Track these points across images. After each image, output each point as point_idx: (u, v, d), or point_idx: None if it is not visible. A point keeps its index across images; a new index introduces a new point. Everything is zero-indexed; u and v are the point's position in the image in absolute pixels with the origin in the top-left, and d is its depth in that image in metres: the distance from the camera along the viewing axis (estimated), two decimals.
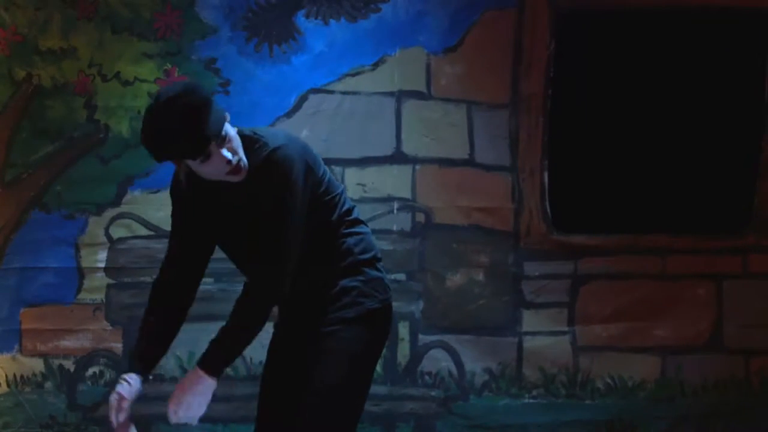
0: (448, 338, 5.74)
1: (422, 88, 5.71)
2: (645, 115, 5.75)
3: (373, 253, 3.69)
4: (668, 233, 5.76)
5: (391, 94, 5.70)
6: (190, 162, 3.41)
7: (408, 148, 5.71)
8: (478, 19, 5.69)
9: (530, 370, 5.76)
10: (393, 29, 5.67)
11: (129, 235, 5.70)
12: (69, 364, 5.71)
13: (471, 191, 5.72)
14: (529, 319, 5.76)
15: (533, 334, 5.77)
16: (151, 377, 5.73)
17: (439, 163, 5.72)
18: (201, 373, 3.53)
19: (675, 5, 5.69)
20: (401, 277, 5.70)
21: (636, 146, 5.75)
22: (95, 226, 5.70)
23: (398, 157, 5.71)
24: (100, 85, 5.65)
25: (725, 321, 5.80)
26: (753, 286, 5.78)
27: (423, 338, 5.74)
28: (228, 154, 3.38)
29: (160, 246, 5.59)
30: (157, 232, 5.63)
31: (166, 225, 5.58)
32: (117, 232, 5.70)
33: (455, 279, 5.74)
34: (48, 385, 5.71)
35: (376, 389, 5.54)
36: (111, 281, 5.70)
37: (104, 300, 5.70)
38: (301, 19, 5.65)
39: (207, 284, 5.26)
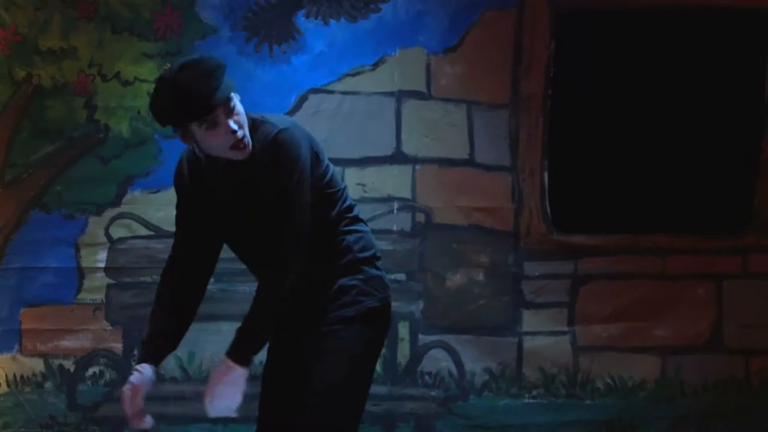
0: (448, 338, 5.74)
1: (422, 88, 5.71)
2: (645, 115, 5.75)
3: (372, 252, 3.69)
4: (668, 233, 5.76)
5: (391, 94, 5.70)
6: (195, 131, 3.40)
7: (408, 148, 5.71)
8: (478, 19, 5.69)
9: (530, 370, 5.76)
10: (393, 29, 5.67)
11: (129, 235, 5.70)
12: (69, 364, 5.71)
13: (471, 191, 5.72)
14: (529, 319, 5.76)
15: (533, 334, 5.77)
16: None
17: (439, 163, 5.72)
18: (230, 362, 3.52)
19: (675, 5, 5.69)
20: (401, 277, 5.70)
21: (636, 146, 5.75)
22: (95, 226, 5.70)
23: (398, 157, 5.71)
24: (100, 85, 5.65)
25: (725, 321, 5.80)
26: (753, 286, 5.78)
27: (423, 338, 5.74)
28: (234, 126, 3.40)
29: (160, 246, 5.60)
30: (157, 232, 5.63)
31: (166, 225, 5.61)
32: (117, 232, 5.70)
33: (455, 279, 5.74)
34: (48, 385, 5.71)
35: (376, 389, 5.54)
36: (111, 281, 5.70)
37: (104, 300, 5.70)
38: (301, 19, 5.65)
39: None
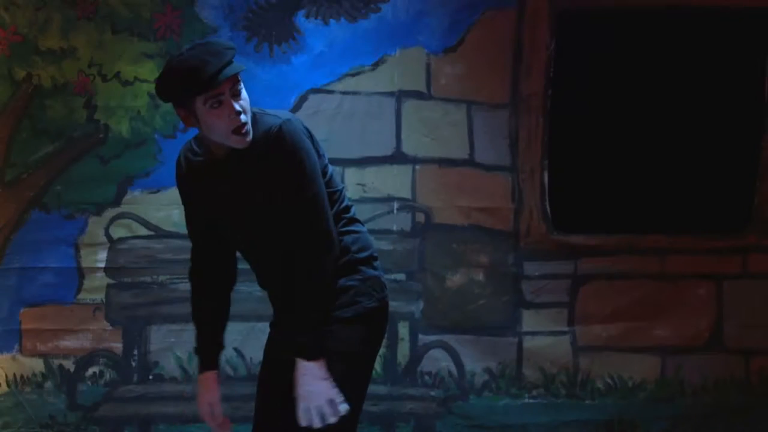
0: (448, 338, 5.74)
1: (422, 88, 5.71)
2: (645, 115, 5.75)
3: (369, 252, 3.70)
4: (668, 233, 5.76)
5: (391, 94, 5.70)
6: (200, 108, 3.40)
7: (408, 148, 5.71)
8: (478, 19, 5.69)
9: (530, 370, 5.76)
10: (393, 29, 5.67)
11: (129, 235, 5.70)
12: (69, 364, 5.71)
13: (471, 191, 5.72)
14: (529, 319, 5.76)
15: (533, 334, 5.77)
16: (151, 377, 5.78)
17: (439, 163, 5.72)
18: (303, 363, 3.50)
19: (675, 5, 5.69)
20: (401, 277, 5.70)
21: (636, 146, 5.75)
22: (95, 226, 5.70)
23: (398, 157, 5.71)
24: (100, 85, 5.65)
25: (725, 321, 5.80)
26: (753, 286, 5.78)
27: (423, 338, 5.74)
28: (239, 107, 3.41)
29: (160, 246, 5.61)
30: (157, 232, 5.63)
31: (166, 225, 5.62)
32: (117, 232, 5.70)
33: (455, 279, 5.74)
34: (48, 385, 5.71)
35: (376, 389, 5.56)
36: (111, 281, 5.70)
37: (104, 300, 5.70)
38: (301, 19, 5.65)
39: None
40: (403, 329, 5.73)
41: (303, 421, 3.52)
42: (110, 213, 5.70)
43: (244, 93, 3.48)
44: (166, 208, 5.57)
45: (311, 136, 3.61)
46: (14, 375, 5.70)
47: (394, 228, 5.71)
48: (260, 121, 3.50)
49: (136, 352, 5.71)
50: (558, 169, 5.74)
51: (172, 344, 5.68)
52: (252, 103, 3.53)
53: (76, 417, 5.70)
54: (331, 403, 3.51)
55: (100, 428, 5.70)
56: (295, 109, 5.65)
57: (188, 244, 3.80)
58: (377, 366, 5.63)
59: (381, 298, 3.70)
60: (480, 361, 5.75)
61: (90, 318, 5.71)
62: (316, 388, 3.50)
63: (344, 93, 5.69)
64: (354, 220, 3.73)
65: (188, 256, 3.80)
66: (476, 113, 5.71)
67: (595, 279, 5.77)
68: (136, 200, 5.68)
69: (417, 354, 5.74)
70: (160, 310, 5.67)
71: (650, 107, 5.74)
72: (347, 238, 3.66)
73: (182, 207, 3.78)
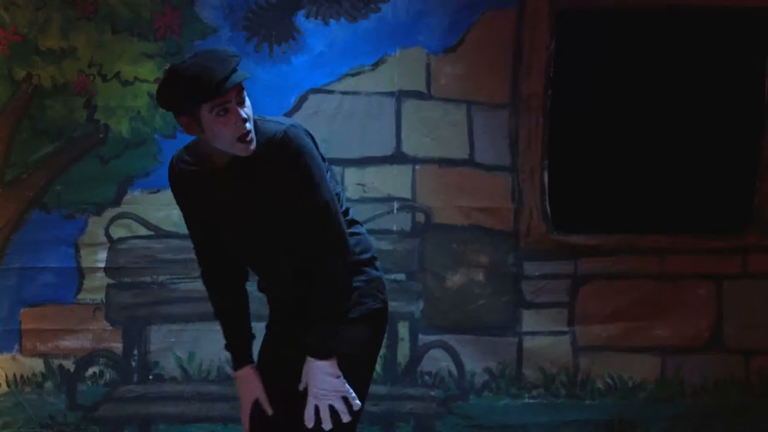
0: (448, 338, 5.74)
1: (422, 88, 5.71)
2: (645, 115, 5.75)
3: (371, 253, 3.73)
4: (668, 233, 5.76)
5: (391, 94, 5.70)
6: (205, 116, 3.40)
7: (408, 148, 5.71)
8: (478, 19, 5.69)
9: (530, 370, 5.76)
10: (393, 29, 5.67)
11: (129, 235, 5.70)
12: (69, 364, 5.71)
13: (471, 191, 5.72)
14: (529, 319, 5.76)
15: (533, 334, 5.77)
16: (151, 377, 5.78)
17: (439, 163, 5.72)
18: (316, 362, 3.52)
19: (675, 5, 5.69)
20: (401, 277, 5.70)
21: (636, 146, 5.75)
22: (95, 226, 5.70)
23: (398, 157, 5.71)
24: (100, 85, 5.65)
25: (725, 321, 5.80)
26: (753, 286, 5.78)
27: (423, 338, 5.74)
28: (244, 115, 3.41)
29: (160, 246, 5.60)
30: (157, 232, 5.63)
31: (166, 225, 5.62)
32: (117, 232, 5.70)
33: (455, 279, 5.74)
34: (48, 385, 5.71)
35: (376, 389, 5.56)
36: (111, 281, 5.70)
37: (104, 300, 5.70)
38: (301, 19, 5.65)
39: None
40: (403, 329, 5.73)
41: (311, 422, 3.52)
42: (110, 213, 5.70)
43: (247, 100, 3.47)
44: (166, 208, 5.57)
45: (313, 140, 3.60)
46: (14, 375, 5.70)
47: (394, 228, 5.71)
48: (262, 128, 3.49)
49: (136, 352, 5.71)
50: (558, 169, 5.74)
51: (172, 344, 5.68)
52: (252, 103, 3.53)
53: (76, 417, 5.70)
54: (345, 400, 3.53)
55: (100, 428, 5.70)
56: (295, 109, 5.65)
57: (188, 244, 3.79)
58: (377, 366, 5.63)
59: (383, 299, 3.73)
60: (480, 361, 5.75)
61: (90, 318, 5.71)
62: (330, 386, 3.52)
63: (344, 93, 5.69)
64: (354, 222, 3.74)
65: (188, 255, 3.81)
66: (476, 113, 5.71)
67: (595, 279, 5.77)
68: (136, 200, 5.68)
69: (417, 354, 5.74)
70: (160, 310, 5.67)
71: (650, 107, 5.74)
72: (351, 240, 3.66)
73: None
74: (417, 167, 5.72)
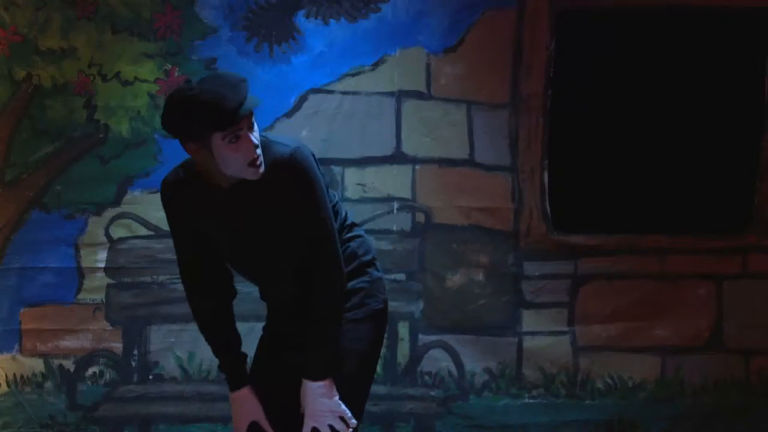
0: (448, 338, 5.74)
1: (422, 88, 5.71)
2: (645, 115, 5.75)
3: (372, 254, 3.81)
4: (668, 233, 5.76)
5: (391, 94, 5.70)
6: (216, 144, 3.39)
7: (408, 148, 5.71)
8: (478, 19, 5.69)
9: (530, 370, 5.76)
10: (393, 29, 5.66)
11: (129, 235, 5.70)
12: (69, 364, 5.71)
13: (471, 191, 5.72)
14: (529, 319, 5.76)
15: (533, 334, 5.77)
16: (151, 377, 5.78)
17: (439, 163, 5.72)
18: (312, 383, 3.57)
19: (675, 5, 5.69)
20: (401, 277, 5.70)
21: (636, 146, 5.75)
22: (95, 226, 5.70)
23: (398, 157, 5.71)
24: (100, 85, 5.65)
25: (725, 321, 5.80)
26: (753, 286, 5.78)
27: (423, 338, 5.74)
28: (256, 141, 3.41)
29: (160, 246, 5.60)
30: (157, 232, 5.63)
31: (166, 225, 5.59)
32: (117, 232, 5.70)
33: (455, 279, 5.74)
34: (48, 385, 5.71)
35: (376, 389, 5.54)
36: (111, 281, 5.70)
37: (104, 300, 5.70)
38: (301, 19, 5.65)
39: None
40: (403, 329, 5.73)
41: None
42: (110, 213, 5.70)
43: (255, 124, 3.48)
44: None
45: (314, 158, 3.63)
46: (14, 375, 5.70)
47: (394, 228, 5.71)
48: (268, 150, 3.50)
49: (136, 352, 5.71)
50: (558, 169, 5.74)
51: (172, 344, 5.68)
52: None
53: (76, 417, 5.70)
54: (342, 419, 3.58)
55: (100, 428, 5.70)
56: (295, 109, 5.65)
57: None
58: (378, 366, 5.63)
59: (384, 299, 3.80)
60: (480, 361, 5.75)
61: (90, 318, 5.71)
62: (326, 407, 3.57)
63: (344, 93, 5.69)
64: (354, 225, 3.82)
65: None
66: (476, 113, 5.71)
67: (595, 279, 5.77)
68: (136, 200, 5.68)
69: (417, 354, 5.74)
70: (160, 310, 5.67)
71: (650, 107, 5.74)
72: (353, 244, 3.76)
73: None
74: (417, 167, 5.71)
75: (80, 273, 5.70)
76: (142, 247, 5.69)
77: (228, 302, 3.75)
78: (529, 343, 5.77)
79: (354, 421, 3.60)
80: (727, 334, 5.80)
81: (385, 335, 5.62)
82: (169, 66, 5.64)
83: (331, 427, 3.56)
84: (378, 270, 3.80)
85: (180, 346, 5.67)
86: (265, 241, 3.58)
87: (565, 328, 5.78)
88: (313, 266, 3.56)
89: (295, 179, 3.50)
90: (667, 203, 5.76)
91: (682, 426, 5.78)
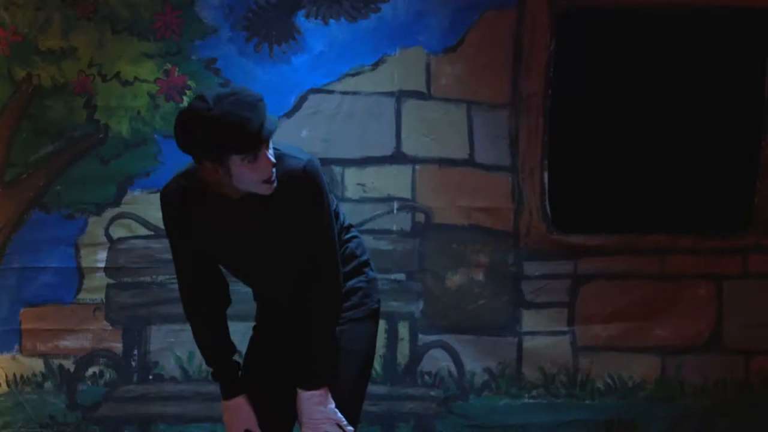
0: (448, 338, 5.74)
1: (422, 88, 5.71)
2: (645, 115, 5.75)
3: (367, 254, 3.87)
4: (668, 233, 5.76)
5: (391, 94, 5.70)
6: (234, 164, 3.38)
7: (408, 148, 5.71)
8: (478, 18, 5.69)
9: (530, 370, 5.76)
10: (393, 29, 5.66)
11: (129, 235, 5.70)
12: (69, 364, 5.71)
13: (471, 191, 5.72)
14: (529, 319, 5.76)
15: (533, 334, 5.77)
16: (151, 377, 5.78)
17: (439, 163, 5.72)
18: (303, 392, 3.59)
19: (675, 5, 5.69)
20: (401, 277, 5.70)
21: (636, 146, 5.75)
22: (95, 226, 5.70)
23: (398, 157, 5.71)
24: (100, 85, 5.65)
25: (725, 321, 5.80)
26: (753, 286, 5.78)
27: (423, 338, 5.74)
28: (273, 159, 3.42)
29: (160, 246, 5.60)
30: (156, 232, 5.63)
31: None
32: (117, 232, 5.70)
33: (455, 279, 5.74)
34: (48, 385, 5.71)
35: (376, 389, 5.57)
36: (111, 281, 5.70)
37: (104, 300, 5.70)
38: (301, 19, 5.65)
39: None
40: (403, 329, 5.73)
41: None
42: (110, 213, 5.70)
43: (270, 141, 3.47)
44: None
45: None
46: (14, 375, 5.70)
47: (394, 228, 5.71)
48: (280, 162, 3.50)
49: (136, 352, 5.71)
50: (558, 169, 5.74)
51: (172, 344, 5.68)
52: None
53: (76, 417, 5.70)
54: (339, 427, 3.60)
55: (100, 428, 5.70)
56: (295, 109, 5.65)
57: None
58: (377, 366, 5.64)
59: (378, 299, 3.85)
60: (480, 361, 5.75)
61: (90, 318, 5.70)
62: (324, 415, 3.59)
63: (344, 93, 5.69)
64: (351, 226, 3.87)
65: None
66: (476, 113, 5.71)
67: (595, 279, 5.77)
68: (136, 200, 5.68)
69: (417, 354, 5.74)
70: (160, 310, 5.67)
71: (650, 107, 5.74)
72: (351, 244, 3.81)
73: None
74: (417, 167, 5.71)
75: (80, 273, 5.70)
76: (142, 247, 5.69)
77: (223, 311, 3.75)
78: (529, 343, 5.77)
79: (351, 428, 3.62)
80: (727, 334, 5.80)
81: (385, 335, 5.71)
82: (169, 66, 5.64)
83: None
84: (372, 270, 3.85)
85: (180, 346, 5.67)
86: (271, 248, 3.60)
87: (565, 328, 5.78)
88: (313, 278, 3.58)
89: (306, 192, 3.53)
90: (667, 203, 5.76)
91: (681, 426, 5.78)
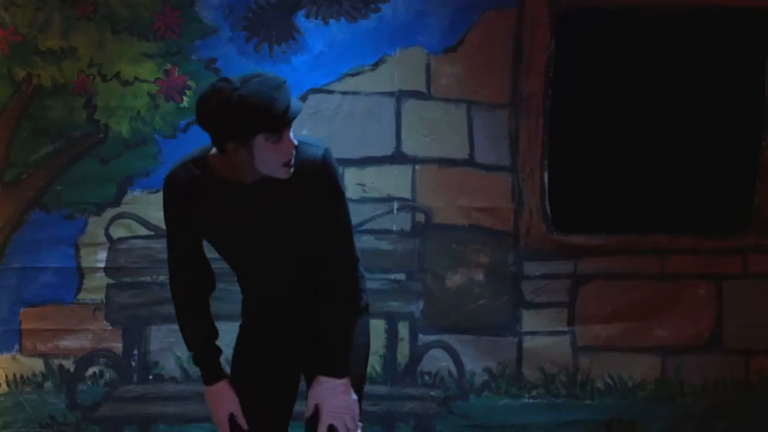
0: (448, 338, 5.74)
1: (422, 88, 5.71)
2: (645, 115, 5.75)
3: (358, 252, 3.80)
4: (668, 233, 5.76)
5: (391, 94, 5.70)
6: (259, 144, 3.37)
7: (408, 148, 5.71)
8: (478, 19, 5.69)
9: (530, 370, 5.76)
10: (393, 29, 5.66)
11: (129, 235, 5.70)
12: (69, 364, 5.71)
13: (471, 191, 5.72)
14: (529, 319, 5.76)
15: (533, 334, 5.77)
16: (151, 377, 5.78)
17: (439, 163, 5.72)
18: (334, 381, 3.57)
19: (675, 5, 5.69)
20: (401, 277, 5.70)
21: (636, 146, 5.75)
22: (95, 226, 5.70)
23: (398, 157, 5.71)
24: (100, 85, 5.65)
25: (725, 321, 5.80)
26: (753, 286, 5.78)
27: (423, 338, 5.74)
28: (295, 142, 3.44)
29: (160, 246, 5.59)
30: (157, 232, 5.63)
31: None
32: (117, 232, 5.70)
33: (455, 279, 5.74)
34: (48, 385, 5.71)
35: (376, 389, 5.57)
36: (111, 281, 5.70)
37: (104, 300, 5.70)
38: (301, 19, 5.65)
39: None
40: (403, 329, 5.73)
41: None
42: (110, 213, 5.70)
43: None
44: None
45: None
46: (14, 375, 5.70)
47: (394, 228, 5.71)
48: (298, 150, 3.49)
49: (136, 352, 5.71)
50: (558, 169, 5.74)
51: (172, 344, 5.67)
52: None
53: (76, 417, 5.70)
54: (355, 418, 3.60)
55: (100, 428, 5.70)
56: None
57: None
58: (377, 366, 5.64)
59: (367, 295, 3.84)
60: (480, 361, 5.75)
61: (90, 318, 5.71)
62: (346, 404, 3.58)
63: (344, 93, 5.69)
64: None
65: None
66: (476, 113, 5.71)
67: (595, 279, 5.77)
68: (136, 200, 5.68)
69: (417, 354, 5.74)
70: (160, 310, 5.67)
71: (650, 107, 5.74)
72: None
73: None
74: (417, 167, 5.72)
75: (80, 273, 5.71)
76: (142, 247, 5.69)
77: (208, 295, 3.75)
78: (529, 343, 5.77)
79: (361, 424, 3.63)
80: (727, 334, 5.80)
81: (385, 335, 5.71)
82: (169, 66, 5.64)
83: (345, 425, 3.58)
84: (360, 266, 3.85)
85: (180, 346, 5.64)
86: (281, 237, 3.57)
87: (565, 328, 5.78)
88: (332, 266, 3.58)
89: (325, 180, 3.53)
90: (667, 203, 5.76)
91: (681, 426, 5.78)
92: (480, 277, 5.74)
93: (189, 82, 5.63)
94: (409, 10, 5.67)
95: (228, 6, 5.64)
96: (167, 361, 5.71)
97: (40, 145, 5.67)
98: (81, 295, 5.71)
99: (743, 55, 5.75)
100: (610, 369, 5.78)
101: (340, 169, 3.61)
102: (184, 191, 3.57)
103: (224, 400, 3.69)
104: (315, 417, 3.60)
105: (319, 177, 3.51)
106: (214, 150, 3.50)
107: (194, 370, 5.64)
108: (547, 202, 5.73)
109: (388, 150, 5.72)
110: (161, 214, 3.72)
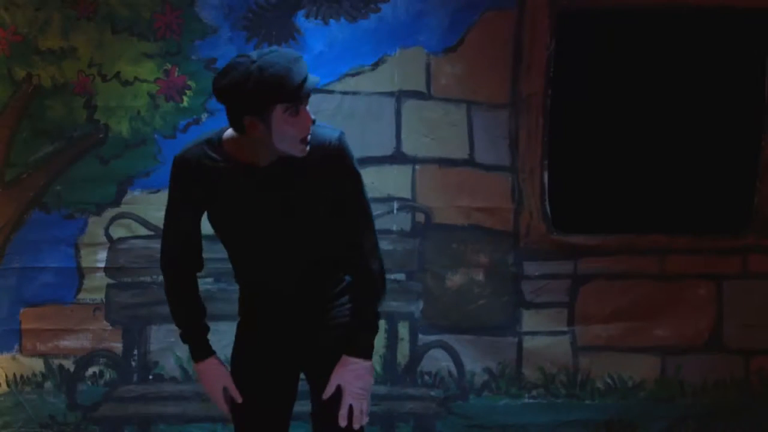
0: (447, 338, 5.74)
1: (422, 88, 5.71)
2: (645, 115, 5.75)
3: None
4: (668, 233, 5.76)
5: (391, 94, 5.70)
6: (277, 116, 3.38)
7: (408, 148, 5.71)
8: (478, 19, 5.69)
9: (530, 370, 5.76)
10: (393, 29, 5.67)
11: (129, 235, 5.70)
12: (69, 364, 5.71)
13: (471, 191, 5.72)
14: (529, 319, 5.76)
15: (533, 334, 5.77)
16: (151, 377, 5.78)
17: (439, 163, 5.72)
18: (362, 363, 3.62)
19: (675, 5, 5.69)
20: (401, 277, 5.70)
21: (636, 146, 5.75)
22: (95, 226, 5.70)
23: (398, 157, 5.71)
24: (100, 85, 5.65)
25: (725, 321, 5.80)
26: (753, 286, 5.78)
27: (423, 338, 5.74)
28: (313, 116, 3.46)
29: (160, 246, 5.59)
30: (157, 232, 5.62)
31: None
32: (117, 232, 5.70)
33: (455, 279, 5.74)
34: (48, 385, 5.71)
35: (376, 389, 5.54)
36: (111, 281, 5.70)
37: (104, 300, 5.70)
38: (301, 19, 5.65)
39: (207, 284, 5.30)
40: (403, 329, 5.73)
41: (344, 421, 3.60)
42: (110, 213, 5.70)
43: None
44: None
45: None
46: (14, 375, 5.70)
47: (394, 228, 5.71)
48: (313, 132, 3.50)
49: (136, 352, 5.71)
50: (558, 169, 5.74)
51: (172, 344, 5.67)
52: None
53: (76, 417, 5.70)
54: (369, 402, 3.65)
55: (100, 428, 5.70)
56: None
57: None
58: (377, 366, 5.64)
59: None
60: (480, 361, 5.75)
61: (90, 318, 5.71)
62: (367, 386, 3.62)
63: (344, 93, 5.69)
64: None
65: None
66: (476, 113, 5.71)
67: (595, 279, 5.77)
68: (136, 200, 5.68)
69: (417, 354, 5.74)
70: (160, 310, 5.66)
71: (650, 107, 5.74)
72: None
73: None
74: (417, 167, 5.72)
75: (80, 273, 5.71)
76: (142, 247, 5.69)
77: (196, 272, 3.75)
78: (529, 343, 5.77)
79: (367, 418, 3.64)
80: (727, 334, 5.80)
81: (385, 335, 5.71)
82: (169, 66, 5.64)
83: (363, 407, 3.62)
84: None
85: (180, 346, 5.64)
86: (295, 222, 3.55)
87: (565, 328, 5.78)
88: (357, 250, 3.59)
89: (344, 161, 3.54)
90: (667, 203, 5.76)
91: (681, 426, 5.78)
92: (480, 277, 5.74)
93: (189, 82, 5.63)
94: (409, 10, 5.67)
95: (228, 6, 5.64)
96: (167, 361, 5.71)
97: (40, 145, 5.67)
98: (81, 295, 5.71)
99: (743, 55, 5.75)
100: (610, 369, 5.78)
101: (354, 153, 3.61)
102: (195, 169, 3.56)
103: (216, 375, 3.71)
104: (322, 408, 3.62)
105: (334, 159, 3.52)
106: (227, 133, 3.50)
107: (194, 370, 5.65)
108: (547, 202, 5.73)
109: (388, 150, 5.72)
110: (161, 214, 3.72)
